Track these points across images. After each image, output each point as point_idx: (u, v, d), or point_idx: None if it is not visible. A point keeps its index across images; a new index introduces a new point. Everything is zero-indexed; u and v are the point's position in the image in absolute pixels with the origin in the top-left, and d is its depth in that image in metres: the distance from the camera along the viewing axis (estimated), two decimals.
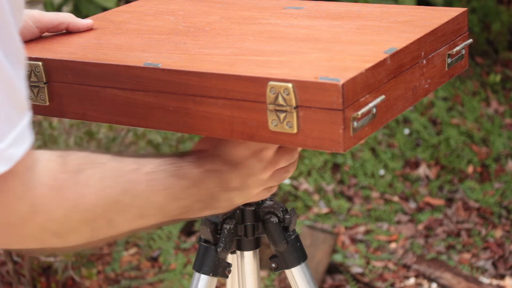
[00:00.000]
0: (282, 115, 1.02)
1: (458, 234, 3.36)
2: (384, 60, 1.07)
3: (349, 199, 3.58)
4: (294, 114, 1.02)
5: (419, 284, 3.08)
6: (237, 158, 1.15)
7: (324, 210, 3.49)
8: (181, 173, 1.11)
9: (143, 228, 1.11)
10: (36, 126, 2.93)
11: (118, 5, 3.66)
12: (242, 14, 1.33)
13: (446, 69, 1.23)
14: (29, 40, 1.27)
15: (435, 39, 1.19)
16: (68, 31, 1.31)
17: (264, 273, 3.04)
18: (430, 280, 3.08)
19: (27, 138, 0.91)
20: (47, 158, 0.97)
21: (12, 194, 0.91)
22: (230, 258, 1.37)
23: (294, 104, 1.01)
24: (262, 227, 1.32)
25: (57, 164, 0.98)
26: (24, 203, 0.92)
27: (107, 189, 1.03)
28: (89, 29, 1.31)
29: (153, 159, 1.10)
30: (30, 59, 1.18)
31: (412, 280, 3.10)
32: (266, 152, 1.16)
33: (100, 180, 1.03)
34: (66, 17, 1.32)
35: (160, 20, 1.33)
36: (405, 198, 3.59)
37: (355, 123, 1.01)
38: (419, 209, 3.51)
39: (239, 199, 1.18)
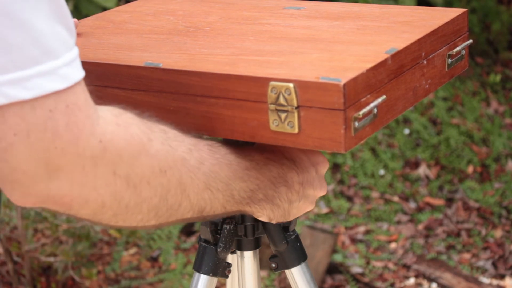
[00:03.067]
0: (283, 115, 1.02)
1: (458, 234, 3.37)
2: (385, 61, 1.07)
3: (349, 199, 3.58)
4: (296, 114, 1.02)
5: (419, 284, 3.08)
6: (298, 159, 1.12)
7: (324, 210, 3.49)
8: (242, 153, 1.07)
9: (212, 207, 1.03)
10: None
11: (118, 5, 3.66)
12: (242, 14, 1.33)
13: (446, 70, 1.23)
14: None
15: (435, 40, 1.19)
16: None
17: (264, 273, 3.04)
18: (430, 280, 3.08)
19: (81, 68, 0.87)
20: (105, 106, 0.92)
21: (82, 129, 0.86)
22: (230, 258, 1.37)
23: (295, 104, 1.01)
24: (262, 227, 1.32)
25: (119, 108, 0.93)
26: (94, 139, 0.87)
27: (173, 142, 0.97)
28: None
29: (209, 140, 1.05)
30: None
31: (412, 280, 3.10)
32: (322, 166, 1.14)
33: (164, 132, 0.97)
34: None
35: (160, 20, 1.33)
36: (405, 198, 3.59)
37: (356, 123, 1.01)
38: (419, 209, 3.51)
39: (294, 208, 1.14)
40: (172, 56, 1.14)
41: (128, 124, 0.92)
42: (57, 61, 0.84)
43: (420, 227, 3.40)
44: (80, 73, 0.87)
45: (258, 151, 1.09)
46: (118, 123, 0.90)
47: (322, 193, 1.16)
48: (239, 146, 1.09)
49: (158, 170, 0.94)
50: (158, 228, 1.01)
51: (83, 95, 0.87)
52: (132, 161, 0.91)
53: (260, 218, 1.13)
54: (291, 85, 1.01)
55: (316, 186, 1.14)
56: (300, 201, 1.13)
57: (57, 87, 0.84)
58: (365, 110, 1.02)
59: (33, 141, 0.84)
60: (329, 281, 3.07)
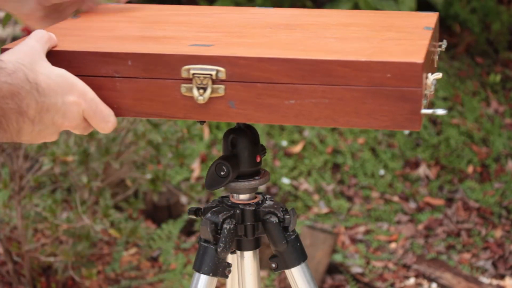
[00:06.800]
0: None
1: (458, 234, 3.37)
2: None
3: (349, 199, 3.58)
4: None
5: (419, 284, 3.08)
6: (43, 84, 1.08)
7: (324, 210, 3.49)
8: None
9: None
10: None
11: None
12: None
13: None
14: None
15: None
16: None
17: (264, 273, 3.04)
18: (430, 280, 3.08)
19: None
20: None
21: None
22: (230, 258, 1.37)
23: None
24: (262, 227, 1.32)
25: None
26: None
27: None
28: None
29: None
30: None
31: (412, 280, 3.10)
32: (71, 96, 1.10)
33: None
34: None
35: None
36: (405, 198, 3.59)
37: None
38: (419, 209, 3.51)
39: (25, 135, 1.08)
40: None
41: None
42: None
43: (420, 227, 3.40)
44: None
45: None
46: None
47: (68, 124, 1.11)
48: None
49: None
50: None
51: None
52: None
53: None
54: None
55: (58, 115, 1.09)
56: (35, 129, 1.08)
57: None
58: None
59: None
60: (329, 281, 3.07)
